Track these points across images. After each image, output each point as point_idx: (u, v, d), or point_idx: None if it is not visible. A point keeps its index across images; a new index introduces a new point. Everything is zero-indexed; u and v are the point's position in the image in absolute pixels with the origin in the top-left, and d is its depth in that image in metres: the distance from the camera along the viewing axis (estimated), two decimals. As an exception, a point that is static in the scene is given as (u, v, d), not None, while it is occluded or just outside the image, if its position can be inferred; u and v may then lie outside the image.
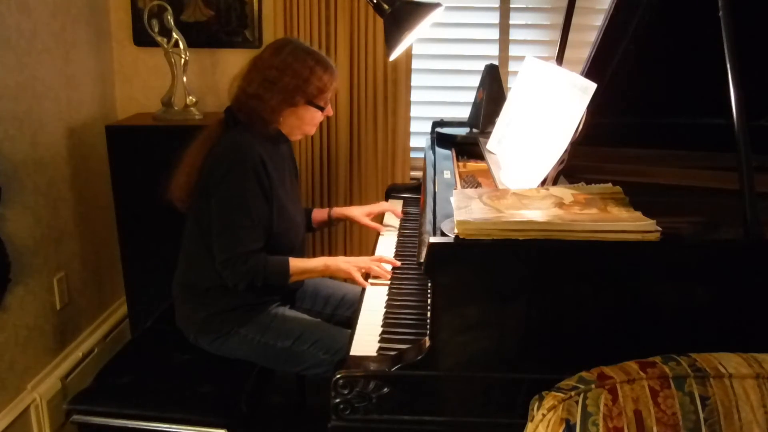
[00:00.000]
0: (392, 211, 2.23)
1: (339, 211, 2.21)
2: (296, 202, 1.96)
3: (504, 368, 1.25)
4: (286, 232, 1.85)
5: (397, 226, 2.18)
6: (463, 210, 1.25)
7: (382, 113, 2.70)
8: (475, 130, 2.24)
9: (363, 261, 1.84)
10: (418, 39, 2.08)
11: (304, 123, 1.85)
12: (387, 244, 2.05)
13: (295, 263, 1.80)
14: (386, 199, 2.46)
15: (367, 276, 1.80)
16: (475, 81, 2.30)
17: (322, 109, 1.83)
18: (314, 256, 2.55)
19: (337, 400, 1.27)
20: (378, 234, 2.14)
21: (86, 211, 2.53)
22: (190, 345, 1.86)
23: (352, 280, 1.83)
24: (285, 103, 1.78)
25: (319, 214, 2.19)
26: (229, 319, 1.81)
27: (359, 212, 2.18)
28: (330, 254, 2.80)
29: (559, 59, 1.97)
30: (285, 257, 1.80)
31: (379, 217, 2.27)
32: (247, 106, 1.78)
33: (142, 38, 2.69)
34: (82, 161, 2.49)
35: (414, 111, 2.74)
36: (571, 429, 1.00)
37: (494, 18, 2.73)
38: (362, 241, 2.82)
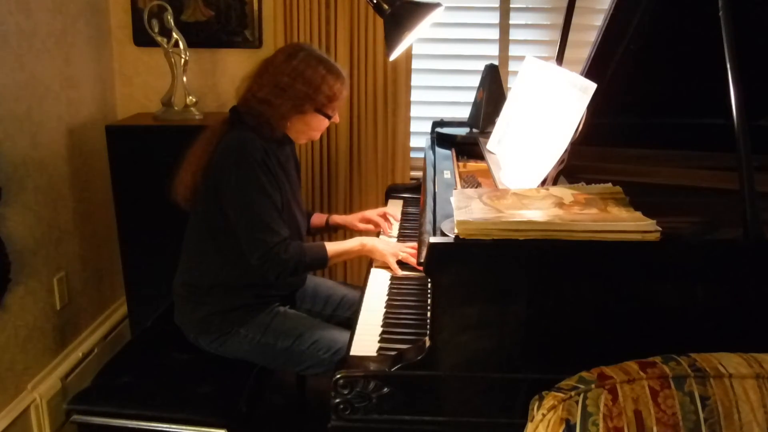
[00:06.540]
0: (384, 221, 2.15)
1: (337, 218, 2.21)
2: (299, 203, 1.97)
3: (504, 368, 1.25)
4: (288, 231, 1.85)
5: (397, 226, 2.18)
6: (463, 210, 1.25)
7: (382, 113, 2.70)
8: (475, 130, 2.24)
9: (399, 247, 1.87)
10: (418, 39, 2.08)
11: (311, 129, 1.88)
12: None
13: (332, 246, 1.83)
14: (386, 200, 2.46)
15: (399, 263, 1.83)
16: (475, 81, 2.30)
17: (329, 117, 1.86)
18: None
19: (337, 400, 1.27)
20: (378, 233, 2.14)
21: (86, 211, 2.53)
22: (190, 345, 1.86)
23: (384, 264, 1.86)
24: (294, 110, 1.80)
25: (318, 219, 2.20)
26: (229, 318, 1.81)
27: (353, 218, 2.19)
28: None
29: (559, 59, 1.96)
30: (321, 242, 1.84)
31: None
32: (256, 110, 1.79)
33: (142, 38, 2.69)
34: (82, 161, 2.49)
35: (414, 111, 2.74)
36: (571, 429, 1.00)
37: (494, 18, 2.73)
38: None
